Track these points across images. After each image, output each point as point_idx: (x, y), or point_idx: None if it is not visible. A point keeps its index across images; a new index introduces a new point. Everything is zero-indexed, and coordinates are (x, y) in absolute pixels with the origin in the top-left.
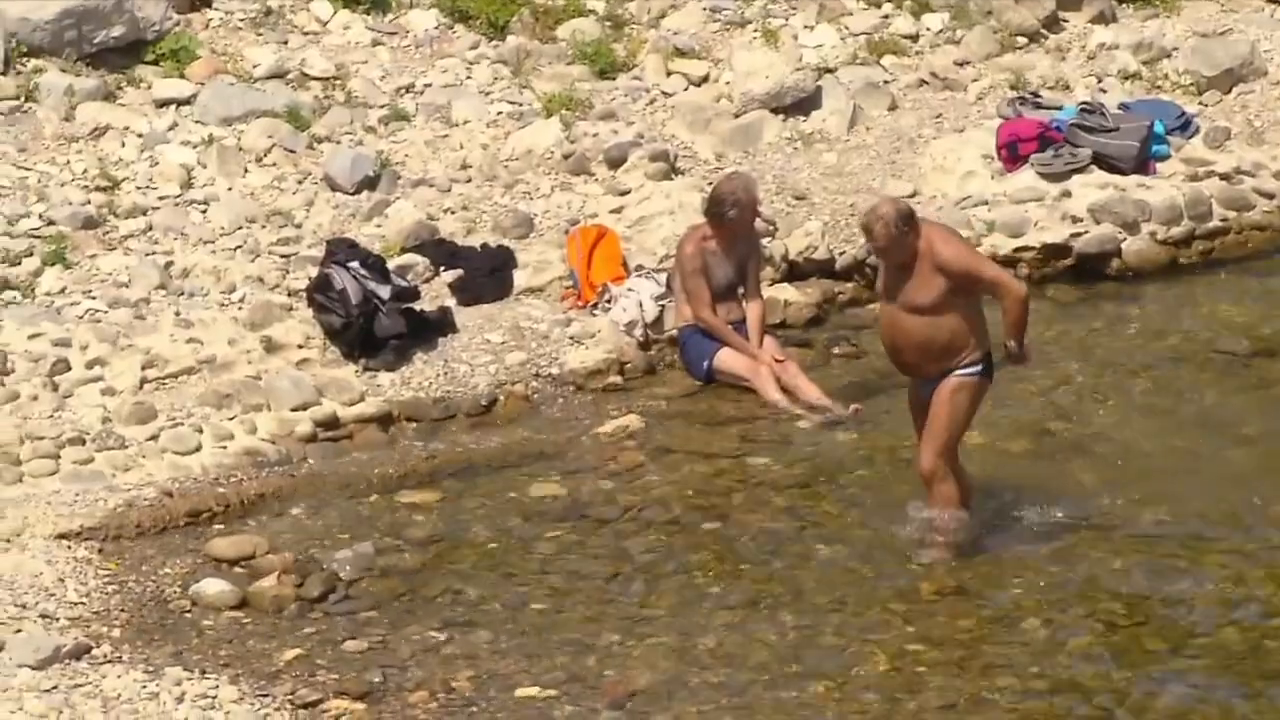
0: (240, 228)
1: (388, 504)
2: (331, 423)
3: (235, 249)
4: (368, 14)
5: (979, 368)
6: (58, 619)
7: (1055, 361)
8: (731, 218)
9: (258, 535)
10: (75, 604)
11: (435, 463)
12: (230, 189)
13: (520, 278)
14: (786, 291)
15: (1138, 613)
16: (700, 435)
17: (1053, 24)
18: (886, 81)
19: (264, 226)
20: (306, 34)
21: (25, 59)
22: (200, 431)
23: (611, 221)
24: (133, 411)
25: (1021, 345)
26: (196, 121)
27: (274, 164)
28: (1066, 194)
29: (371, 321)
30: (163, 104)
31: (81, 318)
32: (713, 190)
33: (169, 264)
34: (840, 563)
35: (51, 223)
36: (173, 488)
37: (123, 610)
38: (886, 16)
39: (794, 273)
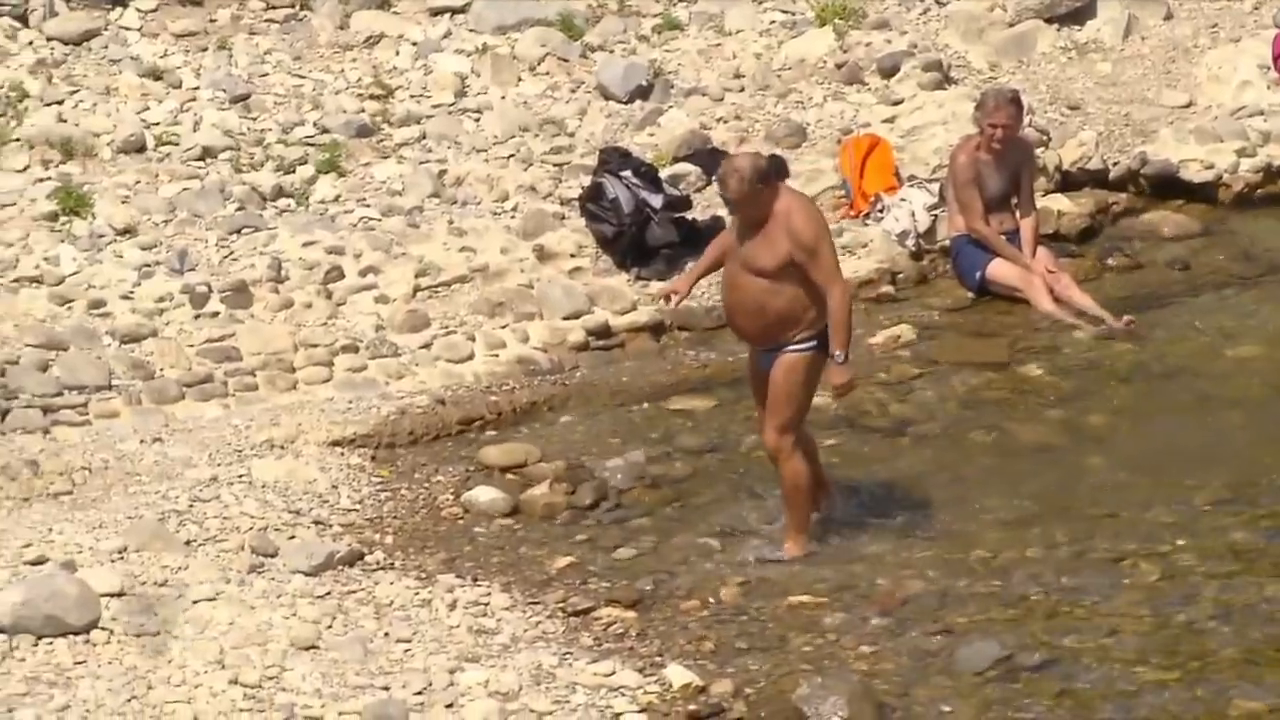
0: (513, 136)
1: (659, 413)
2: (603, 331)
3: (508, 158)
4: None
5: (813, 343)
6: (331, 525)
7: None
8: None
9: (529, 443)
10: (348, 511)
11: (706, 372)
12: (503, 97)
13: (792, 187)
14: (1060, 202)
15: None
16: (972, 345)
17: None
18: None
19: (537, 135)
20: None
21: None
22: (472, 340)
23: (884, 131)
24: (406, 319)
25: (846, 354)
26: (470, 30)
27: (547, 73)
28: None
29: (643, 230)
30: (437, 12)
31: (355, 226)
32: (980, 98)
33: (442, 172)
34: (1112, 474)
35: (326, 131)
36: (445, 395)
37: (395, 517)
38: None
39: (1067, 183)
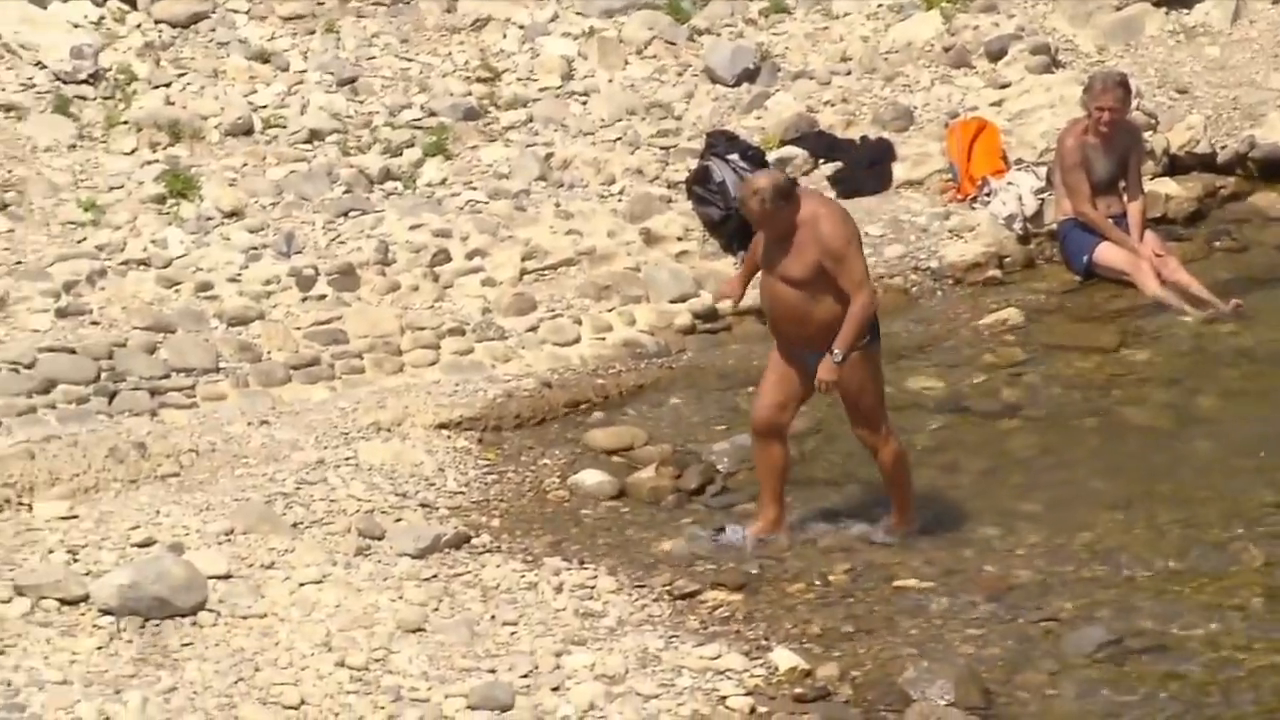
0: (620, 119)
1: None
2: (710, 315)
3: (615, 141)
4: None
5: (865, 338)
6: (437, 508)
7: None
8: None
9: (636, 426)
10: (455, 493)
11: None
12: (610, 81)
13: (899, 170)
14: (1167, 185)
15: None
16: (1079, 329)
17: None
18: None
19: (644, 118)
20: None
21: None
22: (579, 323)
23: (991, 114)
24: (512, 302)
25: (844, 356)
26: (577, 13)
27: (654, 56)
28: None
29: None
30: None
31: (462, 209)
32: (1089, 80)
33: (549, 155)
34: (1219, 457)
35: (433, 114)
36: (552, 378)
37: (501, 500)
38: None
39: (1175, 166)
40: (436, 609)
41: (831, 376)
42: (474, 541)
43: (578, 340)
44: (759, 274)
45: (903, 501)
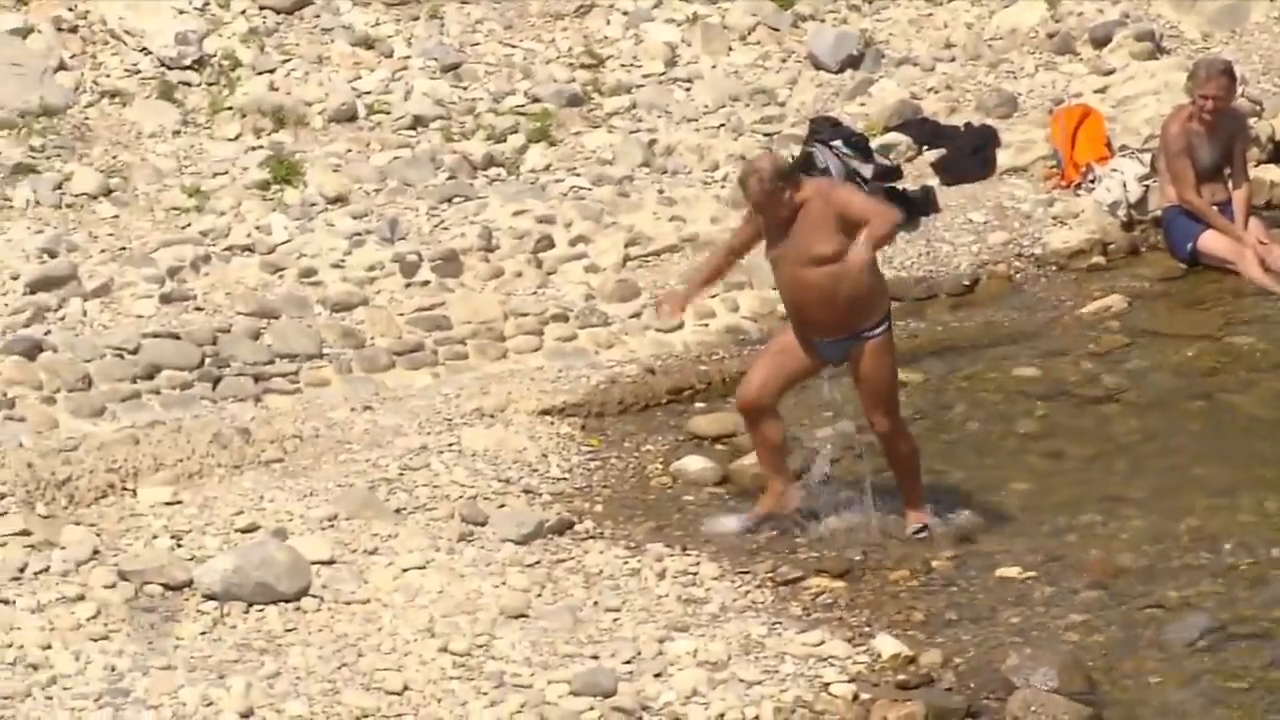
0: (723, 106)
1: None
2: None
3: (718, 127)
4: None
5: (886, 324)
6: (540, 494)
7: None
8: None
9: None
10: (558, 480)
11: (917, 342)
12: (714, 67)
13: (1003, 157)
14: (1272, 172)
15: None
16: (1183, 316)
17: None
18: None
19: (747, 105)
20: None
21: None
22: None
23: (1096, 101)
24: (616, 289)
25: (869, 250)
26: None
27: (758, 42)
28: None
29: None
30: None
31: (565, 195)
32: (1193, 67)
33: (652, 141)
34: None
35: (537, 100)
36: (655, 365)
37: (605, 486)
38: None
39: None
40: (539, 595)
41: (866, 255)
42: (577, 528)
43: (681, 326)
44: (763, 270)
45: (919, 492)
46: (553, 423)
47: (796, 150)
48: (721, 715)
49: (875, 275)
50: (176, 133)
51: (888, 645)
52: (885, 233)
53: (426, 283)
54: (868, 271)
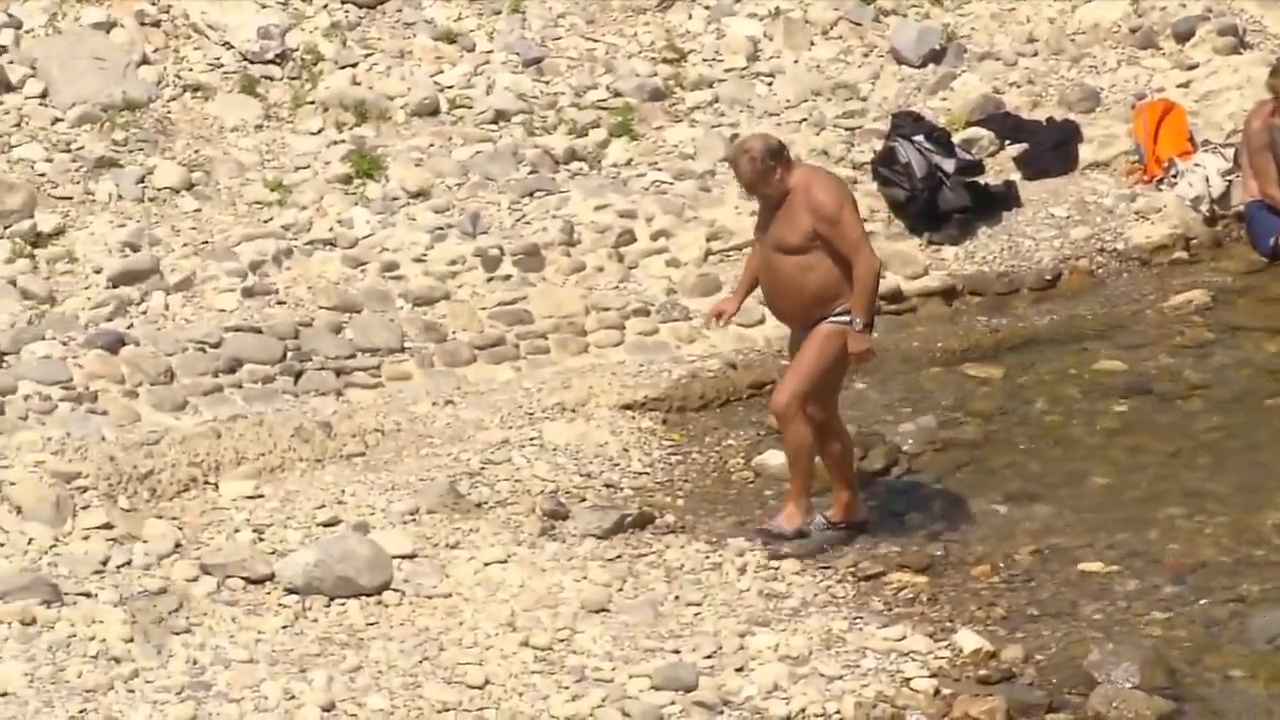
0: (805, 100)
1: (950, 377)
2: (895, 296)
3: (800, 121)
4: None
5: (842, 317)
6: (622, 489)
7: None
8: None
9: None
10: (639, 474)
11: (998, 336)
12: (796, 61)
13: (1086, 152)
14: None
15: None
16: (1266, 311)
17: None
18: None
19: (829, 99)
20: None
21: None
22: (763, 304)
23: (1178, 96)
24: (697, 283)
25: (867, 323)
26: None
27: (840, 37)
28: None
29: (936, 195)
30: None
31: (647, 189)
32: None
33: (734, 136)
34: None
35: (618, 94)
36: (736, 359)
37: (686, 481)
38: None
39: None
40: (620, 589)
41: (862, 346)
42: (658, 522)
43: (762, 321)
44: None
45: (795, 490)
46: (634, 417)
47: (879, 144)
48: (803, 710)
49: (846, 266)
50: (259, 127)
51: (969, 640)
52: (869, 301)
53: (508, 277)
54: (837, 272)
